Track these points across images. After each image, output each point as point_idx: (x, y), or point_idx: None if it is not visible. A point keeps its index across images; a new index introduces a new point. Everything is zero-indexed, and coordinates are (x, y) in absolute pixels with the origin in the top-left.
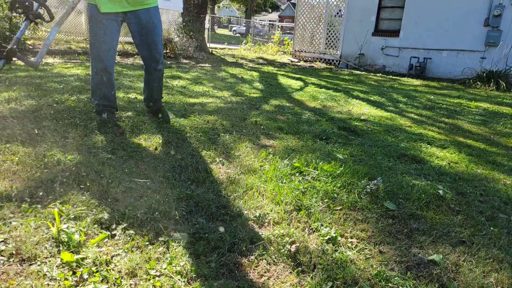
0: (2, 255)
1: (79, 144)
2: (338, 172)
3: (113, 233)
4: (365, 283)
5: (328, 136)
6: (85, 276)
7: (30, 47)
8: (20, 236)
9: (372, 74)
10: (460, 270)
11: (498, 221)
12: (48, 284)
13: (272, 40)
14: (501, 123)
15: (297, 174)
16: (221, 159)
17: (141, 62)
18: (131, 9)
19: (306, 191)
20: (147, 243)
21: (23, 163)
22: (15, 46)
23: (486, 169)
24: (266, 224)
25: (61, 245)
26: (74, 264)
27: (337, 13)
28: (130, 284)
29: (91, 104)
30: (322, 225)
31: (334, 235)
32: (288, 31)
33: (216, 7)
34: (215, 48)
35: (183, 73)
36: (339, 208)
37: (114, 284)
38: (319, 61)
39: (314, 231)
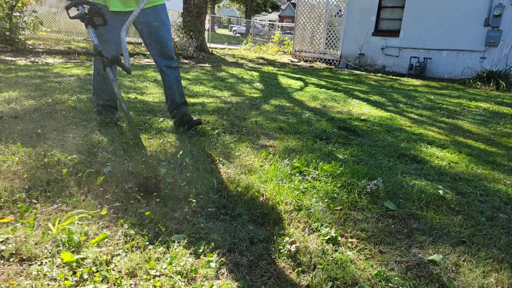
0: (2, 255)
1: (79, 144)
2: (338, 172)
3: (113, 233)
4: (365, 283)
5: (328, 136)
6: (85, 276)
7: (30, 47)
8: (20, 236)
9: (372, 74)
10: (460, 270)
11: (498, 221)
12: (48, 284)
13: (272, 40)
14: (501, 123)
15: (297, 174)
16: (221, 159)
17: (141, 62)
18: None
19: (306, 191)
20: (147, 243)
21: (23, 163)
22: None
23: (486, 169)
24: (266, 224)
25: (61, 245)
26: (74, 264)
27: (337, 13)
28: (130, 284)
29: (91, 104)
30: (322, 225)
31: (334, 235)
32: (288, 31)
33: (216, 7)
34: (215, 48)
35: (183, 73)
36: (339, 208)
37: (114, 284)
38: (319, 61)
39: (314, 231)
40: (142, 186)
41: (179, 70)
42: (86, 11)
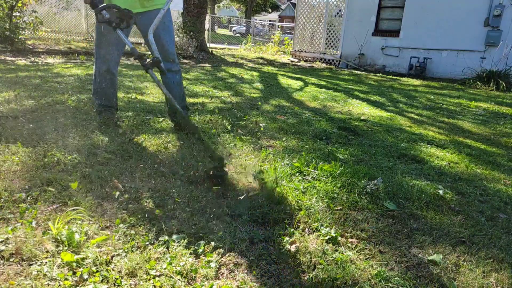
0: (2, 255)
1: (79, 144)
2: (338, 172)
3: (113, 233)
4: (365, 283)
5: (328, 136)
6: (85, 276)
7: (30, 47)
8: (20, 236)
9: (372, 74)
10: (460, 270)
11: (498, 221)
12: (48, 284)
13: (272, 40)
14: (501, 123)
15: (297, 174)
16: None
17: None
18: (143, 10)
19: (306, 191)
20: (147, 243)
21: (23, 163)
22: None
23: (486, 169)
24: (266, 224)
25: (61, 245)
26: (74, 264)
27: (337, 13)
28: (130, 284)
29: (91, 104)
30: (322, 225)
31: (334, 235)
32: (288, 31)
33: (216, 7)
34: (215, 48)
35: (183, 73)
36: (339, 208)
37: (114, 284)
38: (319, 61)
39: (314, 231)
40: (214, 179)
41: (181, 73)
42: (116, 15)
